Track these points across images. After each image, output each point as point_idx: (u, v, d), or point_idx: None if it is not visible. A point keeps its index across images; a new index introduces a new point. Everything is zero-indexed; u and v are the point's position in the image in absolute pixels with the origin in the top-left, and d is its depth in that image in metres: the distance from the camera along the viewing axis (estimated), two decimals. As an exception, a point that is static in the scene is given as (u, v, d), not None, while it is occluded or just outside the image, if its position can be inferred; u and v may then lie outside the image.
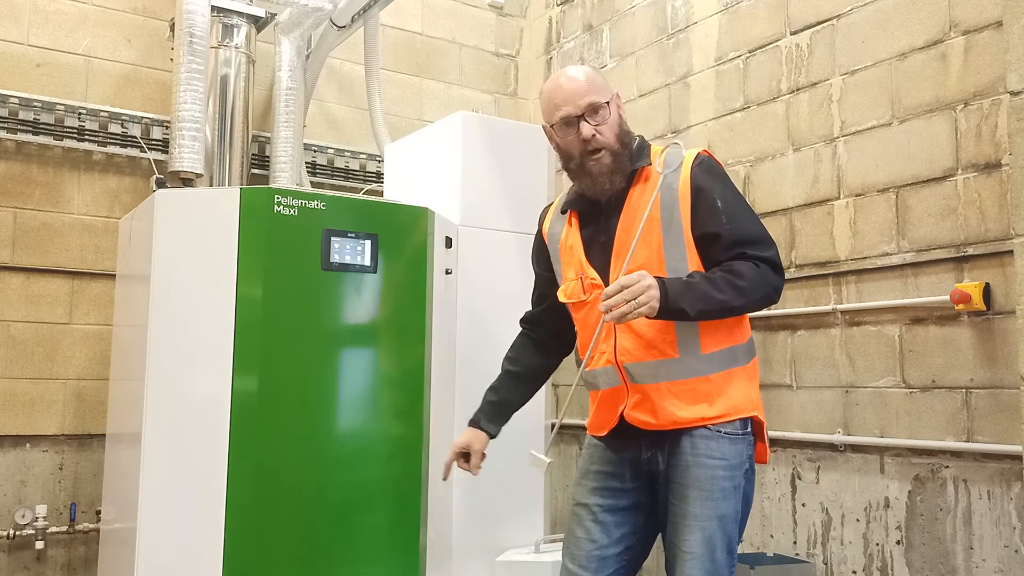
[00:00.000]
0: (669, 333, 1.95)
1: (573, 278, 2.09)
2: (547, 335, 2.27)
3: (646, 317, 1.83)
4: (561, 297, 2.13)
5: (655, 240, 1.96)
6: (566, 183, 2.17)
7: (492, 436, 2.23)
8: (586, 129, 1.99)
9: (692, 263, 1.96)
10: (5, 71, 3.56)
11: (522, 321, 2.36)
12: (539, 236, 2.26)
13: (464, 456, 2.21)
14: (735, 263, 1.92)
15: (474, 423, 2.24)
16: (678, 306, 1.83)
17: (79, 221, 3.66)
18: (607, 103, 2.01)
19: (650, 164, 2.03)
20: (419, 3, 4.63)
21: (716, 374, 1.97)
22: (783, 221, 3.42)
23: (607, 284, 2.00)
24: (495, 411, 2.25)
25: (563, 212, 2.16)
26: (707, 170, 1.99)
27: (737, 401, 1.99)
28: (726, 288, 1.87)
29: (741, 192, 2.18)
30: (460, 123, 3.32)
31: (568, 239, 2.12)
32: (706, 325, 1.96)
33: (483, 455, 2.21)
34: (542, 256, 2.24)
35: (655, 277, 1.84)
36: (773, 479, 3.40)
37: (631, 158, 2.04)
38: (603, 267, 2.02)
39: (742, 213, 1.99)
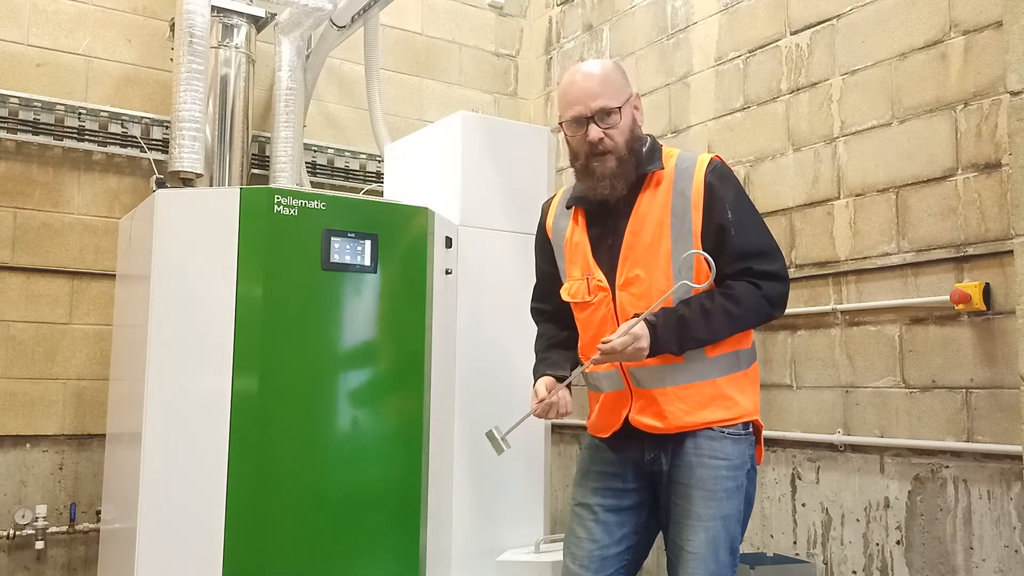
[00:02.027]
0: None
1: (579, 277, 2.07)
2: (566, 318, 2.17)
3: None
4: (564, 296, 2.11)
5: (664, 246, 1.95)
6: (567, 181, 2.16)
7: (568, 385, 2.07)
8: (594, 132, 1.98)
9: (698, 272, 1.95)
10: (5, 71, 3.56)
11: (535, 312, 2.30)
12: (542, 230, 2.24)
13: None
14: (736, 286, 1.94)
15: (544, 373, 2.09)
16: (666, 350, 1.90)
17: (79, 221, 3.66)
18: (619, 108, 1.99)
19: (662, 168, 2.02)
20: (419, 3, 4.63)
21: (721, 378, 1.98)
22: (783, 221, 3.42)
23: (613, 287, 2.00)
24: (556, 367, 2.11)
25: (568, 207, 2.14)
26: (720, 177, 1.99)
27: (742, 405, 2.00)
28: (719, 317, 1.91)
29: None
30: (460, 123, 3.32)
31: (574, 236, 2.11)
32: None
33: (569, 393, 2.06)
34: (545, 251, 2.22)
35: (648, 322, 1.87)
36: (773, 479, 3.40)
37: (638, 164, 2.02)
38: (610, 270, 2.01)
39: (751, 223, 1.99)
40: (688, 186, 1.97)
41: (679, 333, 1.89)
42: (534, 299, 2.32)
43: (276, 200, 2.70)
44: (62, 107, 3.60)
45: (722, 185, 1.98)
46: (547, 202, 2.27)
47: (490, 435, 2.02)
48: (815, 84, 3.35)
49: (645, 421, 1.98)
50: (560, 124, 2.06)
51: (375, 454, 2.81)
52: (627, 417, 2.00)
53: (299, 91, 3.80)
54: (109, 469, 3.30)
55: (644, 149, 2.06)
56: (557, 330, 2.22)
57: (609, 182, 2.00)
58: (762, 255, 1.97)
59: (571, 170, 2.11)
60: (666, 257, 1.95)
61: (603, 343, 1.88)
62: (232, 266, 2.65)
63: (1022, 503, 2.64)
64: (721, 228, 1.95)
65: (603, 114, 1.98)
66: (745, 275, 1.95)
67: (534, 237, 2.29)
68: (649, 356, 1.89)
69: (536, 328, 2.30)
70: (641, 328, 1.88)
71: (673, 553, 1.98)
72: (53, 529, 3.45)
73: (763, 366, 3.39)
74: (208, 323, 2.64)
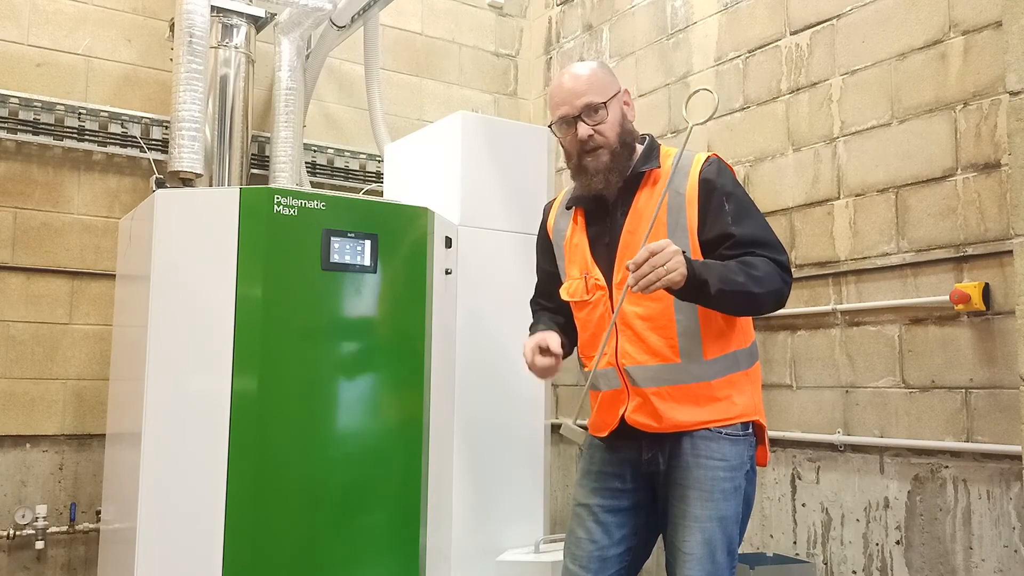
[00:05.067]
0: (671, 338, 1.95)
1: (577, 276, 2.08)
2: (565, 314, 2.17)
3: (668, 292, 1.79)
4: (563, 295, 2.12)
5: None
6: (567, 182, 2.17)
7: (563, 344, 2.02)
8: (583, 130, 1.99)
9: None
10: (5, 71, 3.56)
11: (534, 303, 2.32)
12: (543, 230, 2.25)
13: (542, 352, 1.99)
14: (746, 257, 1.90)
15: (544, 330, 2.07)
16: (703, 278, 1.78)
17: (79, 221, 3.66)
18: (605, 103, 1.99)
19: (659, 167, 2.02)
20: (419, 3, 4.63)
21: (718, 380, 1.97)
22: (783, 221, 3.42)
23: (610, 285, 2.00)
24: (552, 324, 2.10)
25: (568, 208, 2.15)
26: (716, 174, 1.97)
27: (739, 406, 1.99)
28: (741, 273, 1.84)
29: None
30: (460, 123, 3.32)
31: (573, 237, 2.12)
32: (709, 330, 1.96)
33: (561, 346, 1.99)
34: (546, 251, 2.24)
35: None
36: (773, 479, 3.40)
37: (630, 157, 2.03)
38: (607, 268, 2.02)
39: (750, 217, 1.97)
40: (683, 183, 1.97)
41: (707, 272, 1.80)
42: (535, 296, 2.33)
43: (276, 200, 2.70)
44: (62, 107, 3.60)
45: (717, 182, 1.96)
46: (549, 203, 2.29)
47: (566, 429, 1.94)
48: (815, 84, 3.35)
49: (640, 420, 1.97)
50: (551, 128, 2.07)
51: (375, 454, 2.82)
52: (623, 416, 2.00)
53: (299, 91, 3.80)
54: (109, 469, 3.30)
55: (641, 146, 2.06)
56: (553, 313, 2.22)
57: (603, 176, 2.00)
58: (764, 245, 1.93)
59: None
60: None
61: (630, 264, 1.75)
62: (232, 266, 2.65)
63: (1022, 503, 2.64)
64: (720, 224, 1.93)
65: (590, 111, 1.98)
66: (750, 255, 1.91)
67: (536, 237, 2.31)
68: (689, 286, 1.77)
69: None
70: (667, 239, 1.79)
71: (671, 554, 1.98)
72: (53, 529, 3.45)
73: (763, 366, 3.38)
74: (208, 323, 2.65)
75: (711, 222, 1.94)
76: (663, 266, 1.72)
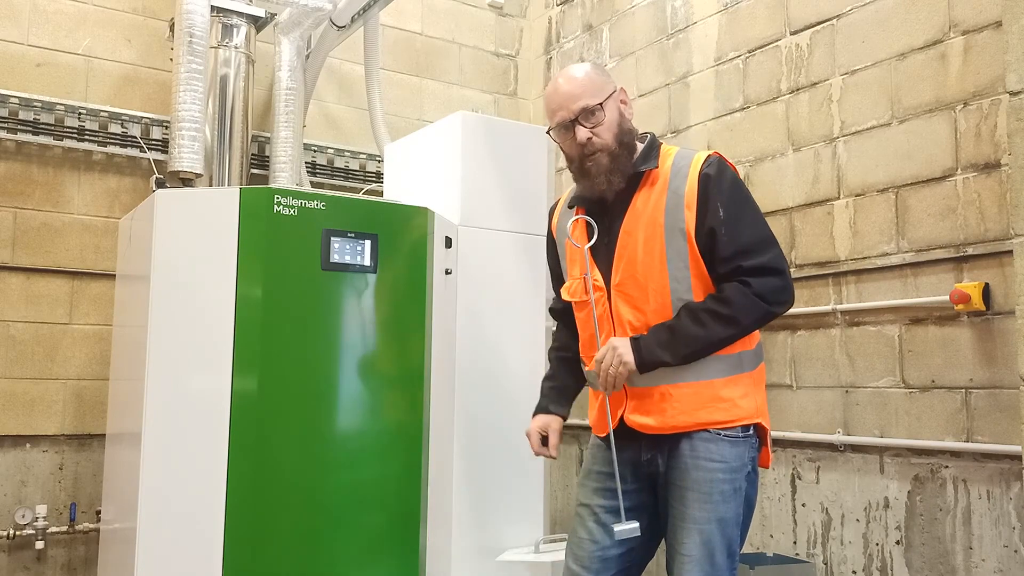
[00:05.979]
0: None
1: (577, 276, 2.08)
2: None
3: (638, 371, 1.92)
4: (564, 295, 2.13)
5: (657, 247, 1.95)
6: (567, 182, 2.17)
7: (564, 417, 2.21)
8: (581, 133, 1.99)
9: (695, 270, 1.94)
10: (5, 71, 3.56)
11: (553, 312, 2.36)
12: (549, 231, 2.28)
13: (543, 440, 2.18)
14: (725, 289, 1.92)
15: (542, 410, 2.21)
16: (655, 359, 1.91)
17: (79, 221, 3.66)
18: (601, 104, 1.99)
19: (658, 167, 2.01)
20: (419, 3, 4.63)
21: (720, 379, 1.96)
22: (783, 221, 3.42)
23: (609, 286, 2.00)
24: (557, 394, 2.23)
25: (570, 207, 2.16)
26: (715, 174, 1.96)
27: (741, 408, 1.97)
28: (710, 322, 1.90)
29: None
30: (460, 123, 3.32)
31: (575, 235, 2.13)
32: None
33: (560, 436, 2.18)
34: (552, 251, 2.26)
35: (631, 338, 1.93)
36: (773, 479, 3.40)
37: (631, 157, 2.03)
38: (606, 269, 2.02)
39: (743, 220, 1.95)
40: (682, 185, 1.96)
41: (669, 342, 1.90)
42: (553, 302, 2.37)
43: (276, 200, 2.70)
44: (62, 107, 3.60)
45: (715, 183, 1.94)
46: (554, 204, 2.30)
47: (619, 534, 2.01)
48: (815, 84, 3.35)
49: (639, 420, 1.97)
50: (549, 133, 2.07)
51: (375, 454, 2.81)
52: (623, 417, 2.00)
53: (299, 91, 3.80)
54: (109, 469, 3.30)
55: (641, 145, 2.06)
56: (570, 338, 2.25)
57: (605, 178, 2.00)
58: (751, 251, 1.93)
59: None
60: (660, 256, 1.94)
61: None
62: (232, 266, 2.65)
63: (1021, 503, 2.65)
64: (712, 229, 1.92)
65: (586, 114, 1.98)
66: (736, 275, 1.92)
67: (544, 237, 2.33)
68: (644, 369, 1.91)
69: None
70: (619, 340, 1.93)
71: (671, 556, 1.98)
72: (53, 529, 3.45)
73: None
74: (208, 323, 2.64)
75: (705, 232, 1.93)
76: (611, 366, 1.92)
